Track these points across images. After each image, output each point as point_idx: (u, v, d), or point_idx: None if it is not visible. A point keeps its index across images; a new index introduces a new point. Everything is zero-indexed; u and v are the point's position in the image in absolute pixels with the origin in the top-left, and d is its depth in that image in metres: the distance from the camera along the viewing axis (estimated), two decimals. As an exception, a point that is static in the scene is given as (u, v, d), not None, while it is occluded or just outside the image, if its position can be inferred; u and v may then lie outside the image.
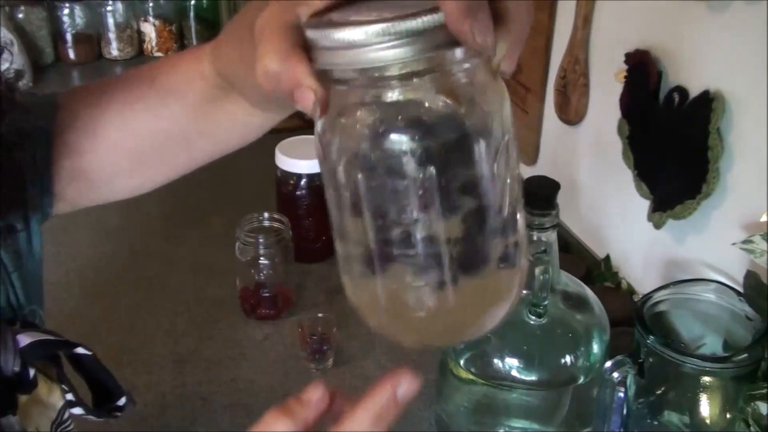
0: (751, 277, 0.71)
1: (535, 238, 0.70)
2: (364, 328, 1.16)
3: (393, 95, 0.32)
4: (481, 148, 0.33)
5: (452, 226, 0.34)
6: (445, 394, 0.82)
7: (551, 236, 0.70)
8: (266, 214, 1.02)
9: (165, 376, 0.91)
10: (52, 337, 0.53)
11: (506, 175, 0.35)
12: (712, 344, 0.73)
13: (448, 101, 0.33)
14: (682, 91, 0.80)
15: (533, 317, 0.71)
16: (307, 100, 0.33)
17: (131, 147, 0.57)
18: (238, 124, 0.56)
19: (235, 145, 0.58)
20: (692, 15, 0.79)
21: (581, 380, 0.73)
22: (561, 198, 0.71)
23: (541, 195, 0.70)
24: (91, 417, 0.55)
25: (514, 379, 0.73)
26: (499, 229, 0.35)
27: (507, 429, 0.78)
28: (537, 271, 0.68)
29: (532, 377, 0.73)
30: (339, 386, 0.94)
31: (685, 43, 0.81)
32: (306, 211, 1.09)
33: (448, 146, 0.33)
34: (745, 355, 0.65)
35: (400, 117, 0.32)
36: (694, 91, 0.78)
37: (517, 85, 1.14)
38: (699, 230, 0.83)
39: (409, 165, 0.33)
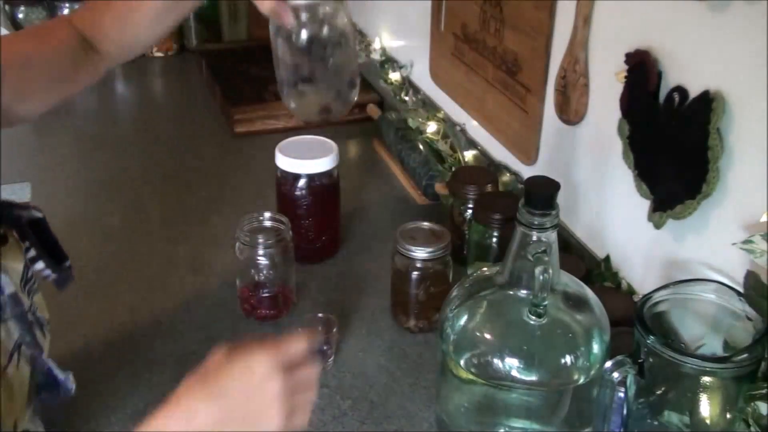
0: (751, 277, 0.71)
1: (535, 238, 0.70)
2: (364, 328, 1.16)
3: (303, 15, 0.81)
4: (333, 37, 0.84)
5: (313, 68, 0.85)
6: (445, 394, 0.82)
7: (551, 236, 0.70)
8: (266, 214, 1.02)
9: (165, 376, 0.91)
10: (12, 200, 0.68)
11: (345, 45, 0.85)
12: (712, 344, 0.73)
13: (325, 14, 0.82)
14: (682, 91, 0.80)
15: (533, 317, 0.71)
16: (289, 18, 0.79)
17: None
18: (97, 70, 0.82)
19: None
20: (692, 15, 0.79)
21: (581, 380, 0.73)
22: (561, 198, 0.71)
23: (541, 195, 0.70)
24: (49, 272, 0.70)
25: (514, 379, 0.73)
26: (337, 70, 0.86)
27: (507, 429, 0.78)
28: (537, 271, 0.68)
29: (532, 377, 0.73)
30: (339, 386, 0.94)
31: (685, 43, 0.81)
32: (306, 211, 1.09)
33: (317, 38, 0.82)
34: (745, 355, 0.65)
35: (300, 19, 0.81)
36: (694, 91, 0.78)
37: (517, 85, 1.14)
38: (699, 230, 0.83)
39: (300, 38, 0.82)
